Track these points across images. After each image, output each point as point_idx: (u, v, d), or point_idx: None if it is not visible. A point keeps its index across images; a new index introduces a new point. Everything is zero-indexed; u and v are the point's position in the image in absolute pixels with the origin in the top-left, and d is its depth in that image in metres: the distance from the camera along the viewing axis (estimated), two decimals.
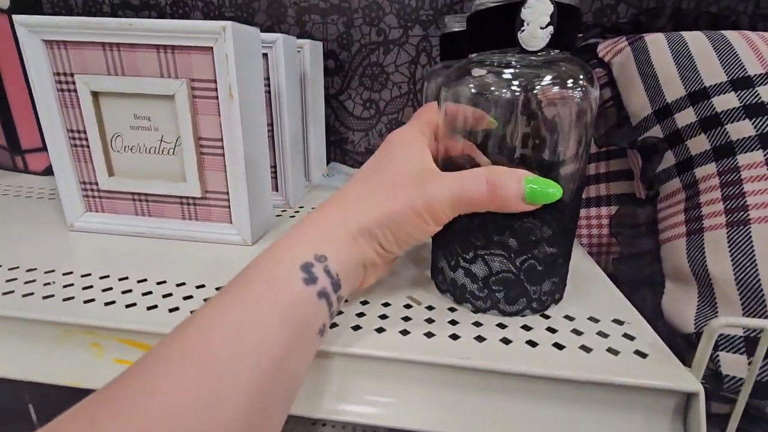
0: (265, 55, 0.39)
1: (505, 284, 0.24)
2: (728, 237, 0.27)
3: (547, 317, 0.26)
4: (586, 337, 0.24)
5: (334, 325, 0.25)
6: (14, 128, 0.52)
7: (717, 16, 0.39)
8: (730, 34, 0.32)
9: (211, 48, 0.30)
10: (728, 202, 0.28)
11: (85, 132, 0.34)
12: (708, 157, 0.30)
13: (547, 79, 0.22)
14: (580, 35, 0.41)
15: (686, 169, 0.31)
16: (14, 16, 0.31)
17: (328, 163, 0.62)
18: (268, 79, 0.40)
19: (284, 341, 0.18)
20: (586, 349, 0.23)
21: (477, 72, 0.23)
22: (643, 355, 0.23)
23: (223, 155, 0.33)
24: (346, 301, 0.27)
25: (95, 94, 0.33)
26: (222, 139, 0.33)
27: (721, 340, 0.26)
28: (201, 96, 0.32)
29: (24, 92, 0.50)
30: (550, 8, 0.20)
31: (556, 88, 0.22)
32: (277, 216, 0.42)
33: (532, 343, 0.24)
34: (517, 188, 0.21)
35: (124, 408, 0.15)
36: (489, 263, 0.24)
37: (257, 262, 0.21)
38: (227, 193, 0.34)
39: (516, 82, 0.22)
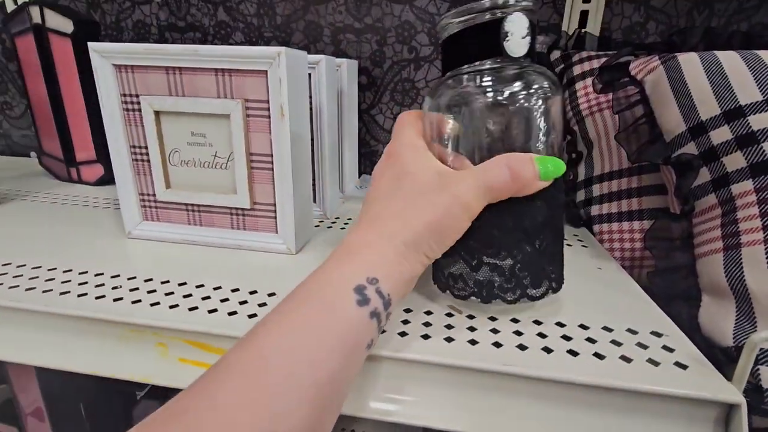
0: (309, 75, 0.42)
1: (530, 269, 0.26)
2: (767, 253, 0.28)
3: (586, 328, 0.27)
4: (625, 347, 0.25)
5: (382, 332, 0.26)
6: (71, 142, 0.56)
7: (750, 36, 0.40)
8: (765, 54, 0.32)
9: (266, 72, 0.33)
10: (766, 218, 0.29)
11: (146, 148, 0.37)
12: (744, 174, 0.30)
13: (517, 85, 0.25)
14: (614, 53, 0.42)
15: (722, 186, 0.32)
16: (90, 44, 0.34)
17: (359, 175, 0.64)
18: (310, 97, 0.43)
19: (337, 361, 0.19)
20: (626, 359, 0.24)
21: (458, 83, 0.26)
22: (684, 367, 0.24)
23: (272, 169, 0.35)
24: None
25: (157, 113, 0.36)
26: (272, 155, 0.35)
27: (761, 354, 0.26)
28: (254, 115, 0.34)
29: (81, 109, 0.54)
30: (527, 23, 0.24)
31: (523, 92, 0.25)
32: (316, 226, 0.44)
33: (573, 353, 0.25)
34: (533, 169, 0.23)
35: (192, 424, 0.16)
36: (512, 252, 0.25)
37: (310, 285, 0.22)
38: (274, 205, 0.36)
39: (490, 89, 0.25)
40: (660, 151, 0.36)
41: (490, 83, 0.24)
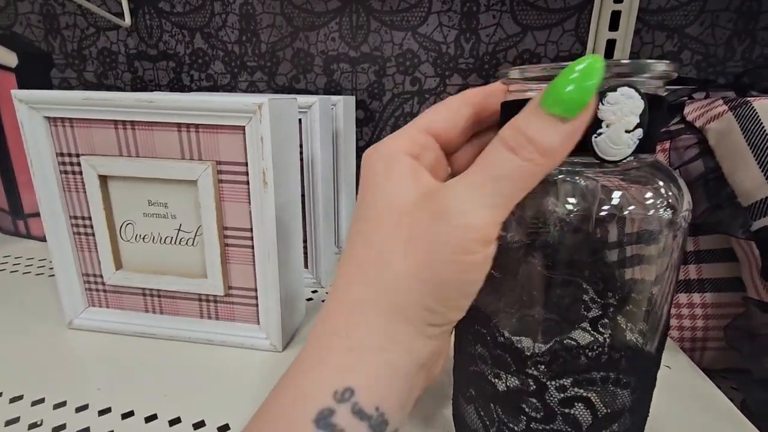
0: (299, 120, 0.34)
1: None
2: None
3: None
4: None
5: None
6: (17, 191, 0.47)
7: None
8: None
9: (243, 128, 0.25)
10: None
11: (90, 219, 0.29)
12: None
13: (619, 198, 0.16)
14: (672, 89, 0.35)
15: None
16: (13, 92, 0.26)
17: None
18: (301, 146, 0.35)
19: None
20: None
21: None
22: None
23: (252, 247, 0.28)
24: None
25: (103, 178, 0.28)
26: (251, 229, 0.27)
27: None
28: (228, 180, 0.27)
29: None
30: (641, 105, 0.15)
31: (632, 209, 0.16)
32: (308, 299, 0.37)
33: None
34: (540, 113, 0.14)
35: None
36: None
37: (265, 416, 0.15)
38: (255, 290, 0.29)
39: (575, 202, 0.17)
40: (735, 218, 0.29)
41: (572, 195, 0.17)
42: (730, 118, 0.30)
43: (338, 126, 0.42)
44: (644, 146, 0.16)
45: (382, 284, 0.15)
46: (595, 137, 0.15)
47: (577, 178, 0.17)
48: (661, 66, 0.15)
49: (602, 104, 0.15)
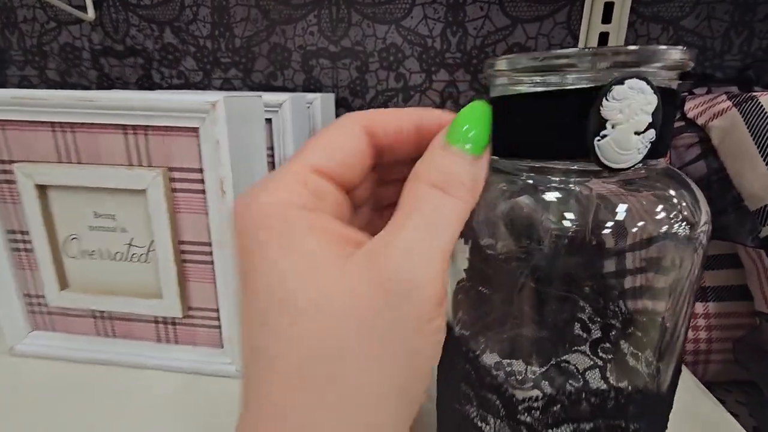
0: (268, 120, 0.32)
1: None
2: None
3: None
4: None
5: None
6: None
7: None
8: None
9: (197, 130, 0.22)
10: None
11: (28, 233, 0.26)
12: None
13: (623, 211, 0.14)
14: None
15: None
16: None
17: None
18: (272, 148, 0.32)
19: None
20: None
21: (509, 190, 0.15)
22: None
23: (213, 263, 0.25)
24: None
25: (42, 188, 0.24)
26: (211, 243, 0.24)
27: None
28: (183, 189, 0.24)
29: None
30: (654, 101, 0.12)
31: (642, 225, 0.14)
32: None
33: None
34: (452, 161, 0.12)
35: None
36: None
37: None
38: (217, 311, 0.26)
39: (572, 217, 0.14)
40: (743, 224, 0.27)
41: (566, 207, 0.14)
42: (735, 115, 0.28)
43: (316, 126, 0.39)
44: (656, 150, 0.13)
45: (341, 407, 0.10)
46: (598, 140, 0.13)
47: (574, 186, 0.14)
48: (675, 53, 0.13)
49: (607, 100, 0.12)
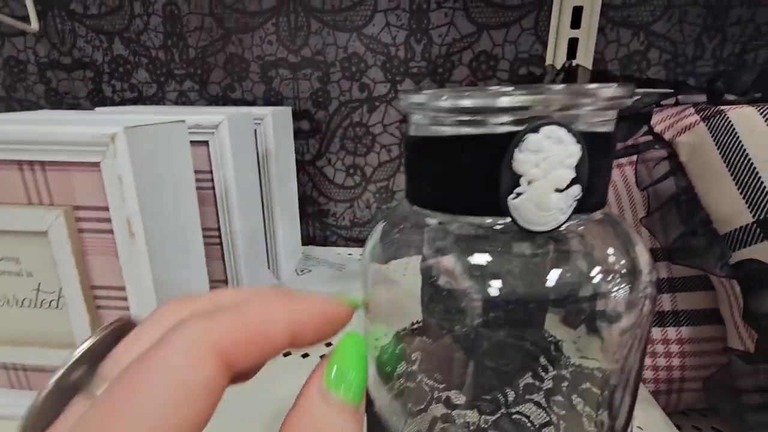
0: (205, 142, 0.29)
1: None
2: None
3: None
4: None
5: None
6: None
7: None
8: None
9: (98, 164, 0.20)
10: None
11: None
12: None
13: (555, 277, 0.12)
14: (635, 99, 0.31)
15: None
16: None
17: (304, 244, 0.51)
18: (211, 172, 0.30)
19: None
20: None
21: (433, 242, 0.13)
22: None
23: (129, 308, 0.22)
24: None
25: None
26: (125, 288, 0.22)
27: None
28: (91, 229, 0.21)
29: None
30: (575, 152, 0.10)
31: (574, 290, 0.12)
32: None
33: None
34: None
35: None
36: None
37: None
38: None
39: (497, 285, 0.12)
40: (712, 249, 0.25)
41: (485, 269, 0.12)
42: (703, 130, 0.26)
43: (267, 145, 0.36)
44: (587, 204, 0.11)
45: None
46: (513, 198, 0.10)
47: (500, 247, 0.12)
48: (607, 91, 0.10)
49: (520, 152, 0.10)
